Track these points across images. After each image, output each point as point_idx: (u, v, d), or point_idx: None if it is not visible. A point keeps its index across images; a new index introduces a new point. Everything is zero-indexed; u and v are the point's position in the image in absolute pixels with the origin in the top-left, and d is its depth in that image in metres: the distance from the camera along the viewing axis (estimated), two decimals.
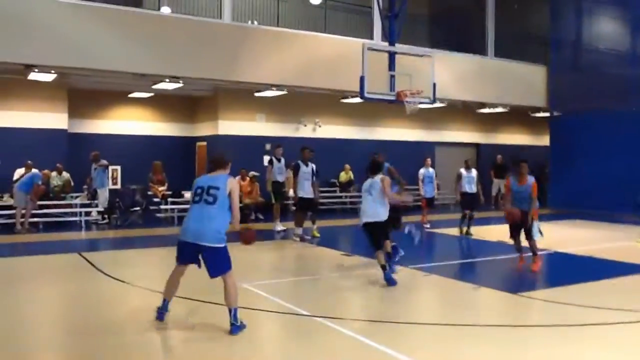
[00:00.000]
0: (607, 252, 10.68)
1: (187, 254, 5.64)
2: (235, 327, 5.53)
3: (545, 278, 9.22)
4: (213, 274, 5.59)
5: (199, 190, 5.65)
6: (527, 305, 7.10)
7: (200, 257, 5.58)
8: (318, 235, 12.21)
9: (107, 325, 5.97)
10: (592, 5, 19.67)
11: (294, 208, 13.77)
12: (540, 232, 9.19)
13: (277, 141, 17.95)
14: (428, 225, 14.28)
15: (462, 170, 13.08)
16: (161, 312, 5.87)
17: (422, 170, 14.66)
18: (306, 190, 11.87)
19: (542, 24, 20.64)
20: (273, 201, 13.11)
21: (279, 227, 12.98)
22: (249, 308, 6.40)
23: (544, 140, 21.90)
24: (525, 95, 19.98)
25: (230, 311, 5.57)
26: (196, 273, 5.81)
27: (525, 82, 19.86)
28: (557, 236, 13.18)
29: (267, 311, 6.45)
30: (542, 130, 22.33)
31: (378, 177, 8.05)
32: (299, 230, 11.91)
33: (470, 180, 13.01)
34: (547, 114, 20.78)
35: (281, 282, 8.20)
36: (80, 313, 6.62)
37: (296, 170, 11.92)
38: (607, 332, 5.86)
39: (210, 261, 5.55)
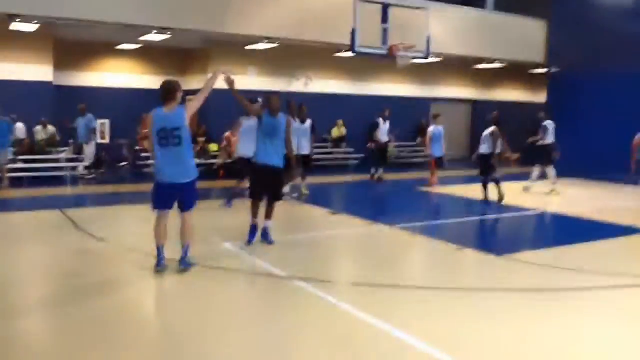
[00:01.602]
0: (596, 213, 10.53)
1: (168, 196, 6.11)
2: (185, 262, 6.14)
3: (532, 239, 9.11)
4: (188, 207, 6.20)
5: (162, 134, 5.99)
6: (510, 267, 6.97)
7: (178, 196, 6.10)
8: (307, 192, 12.04)
9: (80, 289, 5.83)
10: None
11: None
12: None
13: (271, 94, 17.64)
14: (435, 185, 13.74)
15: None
16: (160, 260, 6.11)
17: (431, 128, 13.96)
18: (303, 147, 11.60)
19: None
20: None
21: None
22: (227, 269, 6.28)
23: (541, 98, 21.53)
24: (524, 50, 19.50)
25: (183, 246, 6.17)
26: None
27: (524, 37, 19.36)
28: (549, 196, 13.07)
29: (241, 271, 6.32)
30: (540, 87, 21.92)
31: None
32: (287, 188, 11.69)
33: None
34: (545, 70, 20.34)
35: (260, 243, 8.05)
36: (55, 276, 6.48)
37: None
38: (600, 297, 5.75)
39: (188, 195, 6.15)
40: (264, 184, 7.37)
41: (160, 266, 6.08)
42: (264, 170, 7.35)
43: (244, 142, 9.81)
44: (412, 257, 7.84)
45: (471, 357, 4.28)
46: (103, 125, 15.19)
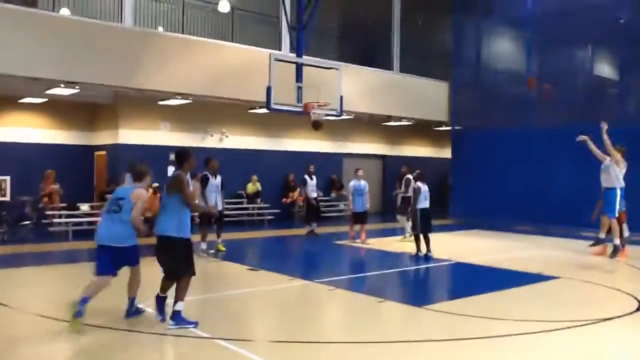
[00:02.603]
0: (505, 262, 11.07)
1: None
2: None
3: (449, 289, 9.40)
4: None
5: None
6: (431, 319, 7.13)
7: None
8: (224, 249, 11.86)
9: None
10: (492, 26, 20.65)
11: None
12: None
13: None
14: (358, 240, 13.59)
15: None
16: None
17: (352, 183, 13.89)
18: (214, 203, 11.43)
19: (445, 42, 21.42)
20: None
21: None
22: (144, 332, 6.01)
23: (447, 153, 22.69)
24: (428, 109, 20.64)
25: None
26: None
27: (428, 97, 20.52)
28: (457, 247, 13.64)
29: (162, 335, 6.07)
30: (445, 143, 23.12)
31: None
32: (204, 245, 11.50)
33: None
34: (448, 128, 21.52)
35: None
36: None
37: (204, 182, 11.44)
38: (511, 343, 5.97)
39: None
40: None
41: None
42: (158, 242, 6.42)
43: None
44: (333, 312, 7.85)
45: None
46: (3, 182, 14.33)
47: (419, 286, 9.75)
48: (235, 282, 9.30)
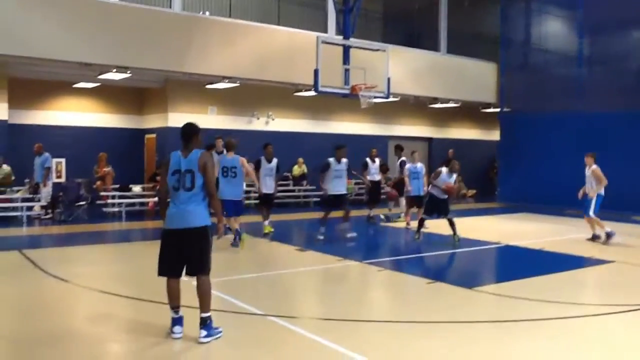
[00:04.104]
0: (555, 245, 10.89)
1: None
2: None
3: (498, 272, 9.32)
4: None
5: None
6: (479, 300, 7.11)
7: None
8: (272, 229, 12.02)
9: (51, 332, 5.64)
10: (542, 5, 20.09)
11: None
12: None
13: (229, 134, 17.68)
14: (409, 226, 13.11)
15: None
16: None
17: (407, 165, 13.30)
18: (268, 186, 11.68)
19: (493, 23, 20.96)
20: None
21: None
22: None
23: (495, 135, 22.30)
24: (476, 91, 20.30)
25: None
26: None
27: (476, 78, 20.18)
28: (506, 230, 13.46)
29: (218, 310, 6.24)
30: (493, 125, 22.72)
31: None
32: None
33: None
34: (497, 110, 21.14)
35: (233, 280, 7.98)
36: (21, 319, 6.25)
37: (257, 166, 11.65)
38: (559, 327, 5.90)
39: None
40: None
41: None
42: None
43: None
44: (382, 292, 7.90)
45: None
46: (59, 164, 14.87)
47: (469, 268, 9.68)
48: (285, 262, 9.44)
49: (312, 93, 14.49)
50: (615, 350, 5.29)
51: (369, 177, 14.35)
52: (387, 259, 9.64)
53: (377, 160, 14.64)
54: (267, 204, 12.03)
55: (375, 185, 14.63)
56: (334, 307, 6.73)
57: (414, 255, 10.44)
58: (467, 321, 6.10)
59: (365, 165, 14.45)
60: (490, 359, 5.00)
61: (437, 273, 9.04)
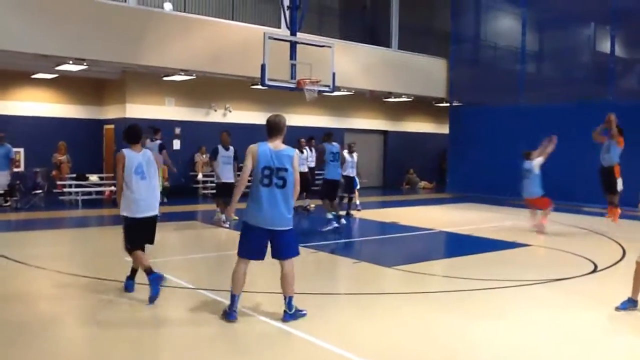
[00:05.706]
0: (486, 232, 11.70)
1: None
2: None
3: (421, 254, 10.06)
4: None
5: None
6: (396, 277, 7.83)
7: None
8: (236, 218, 12.27)
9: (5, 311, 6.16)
10: (490, 2, 20.97)
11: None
12: None
13: (187, 125, 18.17)
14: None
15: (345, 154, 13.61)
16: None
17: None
18: (226, 175, 11.80)
19: (443, 19, 21.79)
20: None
21: None
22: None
23: (447, 129, 23.18)
24: (427, 86, 21.10)
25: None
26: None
27: (427, 73, 20.97)
28: (444, 218, 14.26)
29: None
30: (446, 119, 23.57)
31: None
32: (223, 216, 11.73)
33: (352, 164, 13.87)
34: (447, 104, 22.00)
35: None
36: None
37: (214, 154, 11.87)
38: (462, 298, 6.66)
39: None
40: None
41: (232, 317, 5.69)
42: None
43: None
44: (312, 271, 8.57)
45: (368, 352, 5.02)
46: (17, 153, 15.19)
47: (393, 250, 10.34)
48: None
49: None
50: (507, 318, 6.02)
51: (344, 173, 13.63)
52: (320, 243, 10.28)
53: (355, 154, 14.33)
54: (226, 193, 11.44)
55: (349, 179, 14.12)
56: (266, 283, 7.37)
57: (347, 240, 11.16)
58: (382, 293, 6.83)
59: (343, 159, 13.74)
60: (399, 324, 5.72)
61: (364, 254, 9.78)
